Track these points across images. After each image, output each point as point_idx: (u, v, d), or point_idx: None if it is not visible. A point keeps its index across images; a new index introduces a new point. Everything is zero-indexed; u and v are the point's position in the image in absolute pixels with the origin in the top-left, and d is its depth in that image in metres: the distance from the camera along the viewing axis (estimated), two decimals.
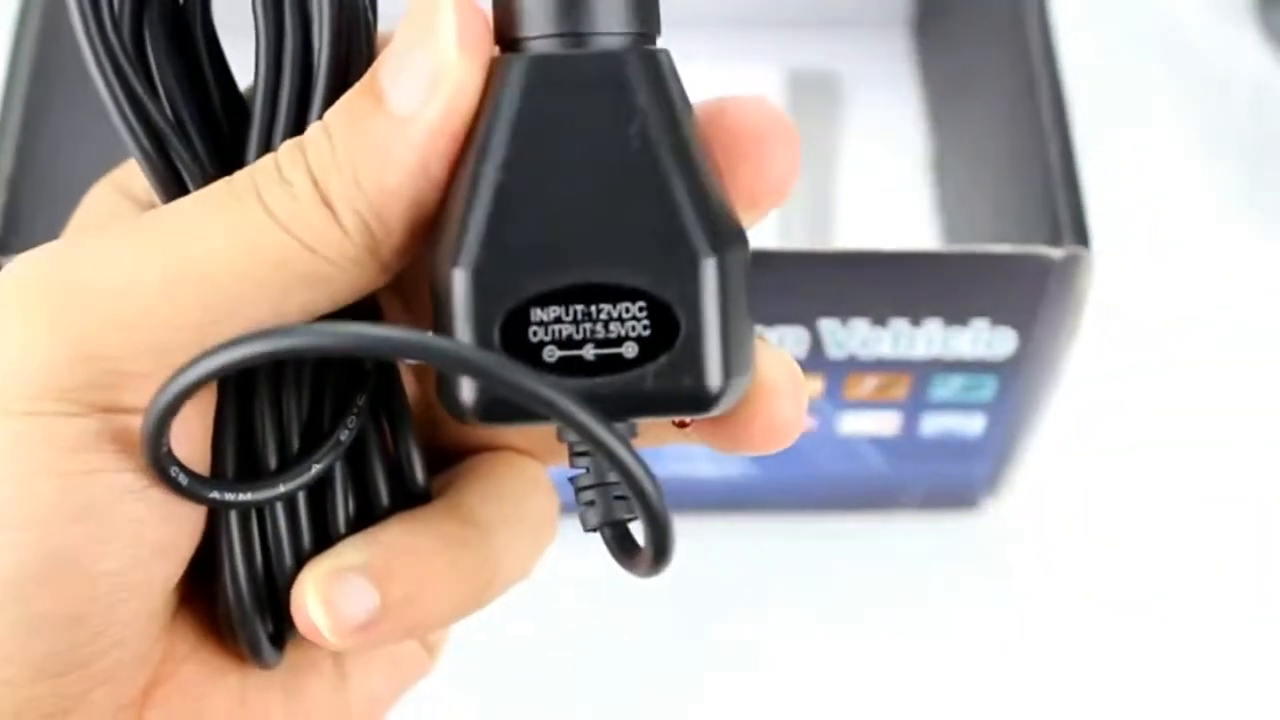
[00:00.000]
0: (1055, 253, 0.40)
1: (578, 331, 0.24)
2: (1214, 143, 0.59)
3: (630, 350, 0.24)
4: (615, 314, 0.24)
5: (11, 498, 0.24)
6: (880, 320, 0.42)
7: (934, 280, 0.42)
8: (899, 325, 0.43)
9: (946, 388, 0.45)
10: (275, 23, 0.26)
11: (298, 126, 0.26)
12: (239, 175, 0.25)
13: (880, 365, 0.44)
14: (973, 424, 0.46)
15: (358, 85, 0.25)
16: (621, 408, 0.24)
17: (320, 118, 0.26)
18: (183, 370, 0.24)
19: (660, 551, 0.24)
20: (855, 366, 0.44)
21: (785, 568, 0.50)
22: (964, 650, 0.49)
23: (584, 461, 0.26)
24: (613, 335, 0.24)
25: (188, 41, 0.27)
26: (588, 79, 0.25)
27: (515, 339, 0.24)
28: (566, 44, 0.25)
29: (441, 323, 0.25)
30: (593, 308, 0.24)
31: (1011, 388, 0.45)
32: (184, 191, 0.27)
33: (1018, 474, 0.50)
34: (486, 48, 0.25)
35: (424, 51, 0.25)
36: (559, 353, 0.24)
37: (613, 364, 0.24)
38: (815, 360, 0.43)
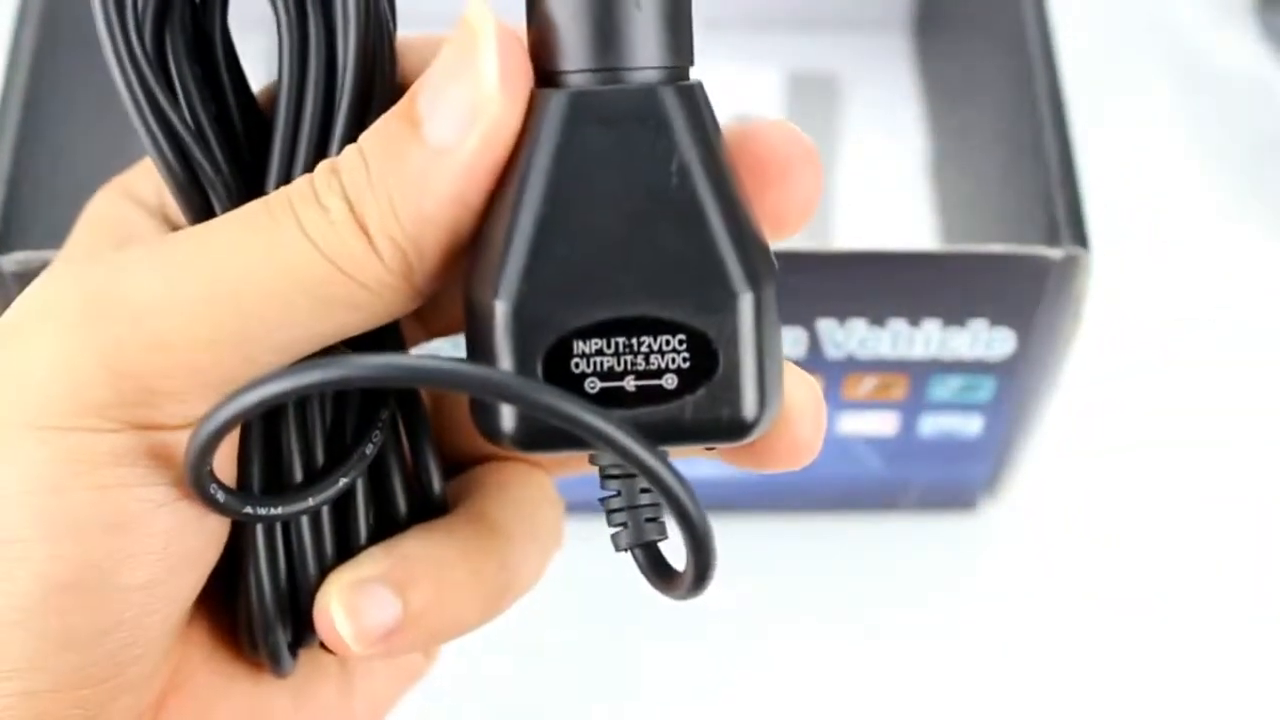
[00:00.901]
0: (1054, 253, 0.40)
1: (619, 364, 0.25)
2: (1214, 143, 0.59)
3: (670, 382, 0.25)
4: (656, 346, 0.25)
5: (45, 510, 0.24)
6: (878, 320, 0.42)
7: (932, 280, 0.42)
8: (897, 325, 0.43)
9: (945, 388, 0.45)
10: (299, 28, 0.27)
11: (322, 136, 0.27)
12: (275, 196, 0.26)
13: (878, 366, 0.44)
14: (971, 425, 0.46)
15: (395, 109, 0.26)
16: (660, 436, 0.25)
17: (344, 129, 0.26)
18: (234, 397, 0.24)
19: (701, 576, 0.25)
20: (853, 367, 0.44)
21: (783, 568, 0.50)
22: (962, 650, 0.49)
23: (615, 485, 0.26)
24: (653, 367, 0.25)
25: (206, 47, 0.28)
26: (627, 114, 0.25)
27: (558, 370, 0.25)
28: (604, 79, 0.25)
29: (480, 348, 0.25)
30: (634, 340, 0.25)
31: (1010, 388, 0.45)
32: (203, 198, 0.27)
33: (1016, 475, 0.50)
34: (526, 83, 0.25)
35: (464, 84, 0.25)
36: (600, 384, 0.25)
37: (653, 395, 0.25)
38: (813, 360, 0.43)
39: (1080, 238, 0.41)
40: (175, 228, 0.29)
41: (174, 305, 0.25)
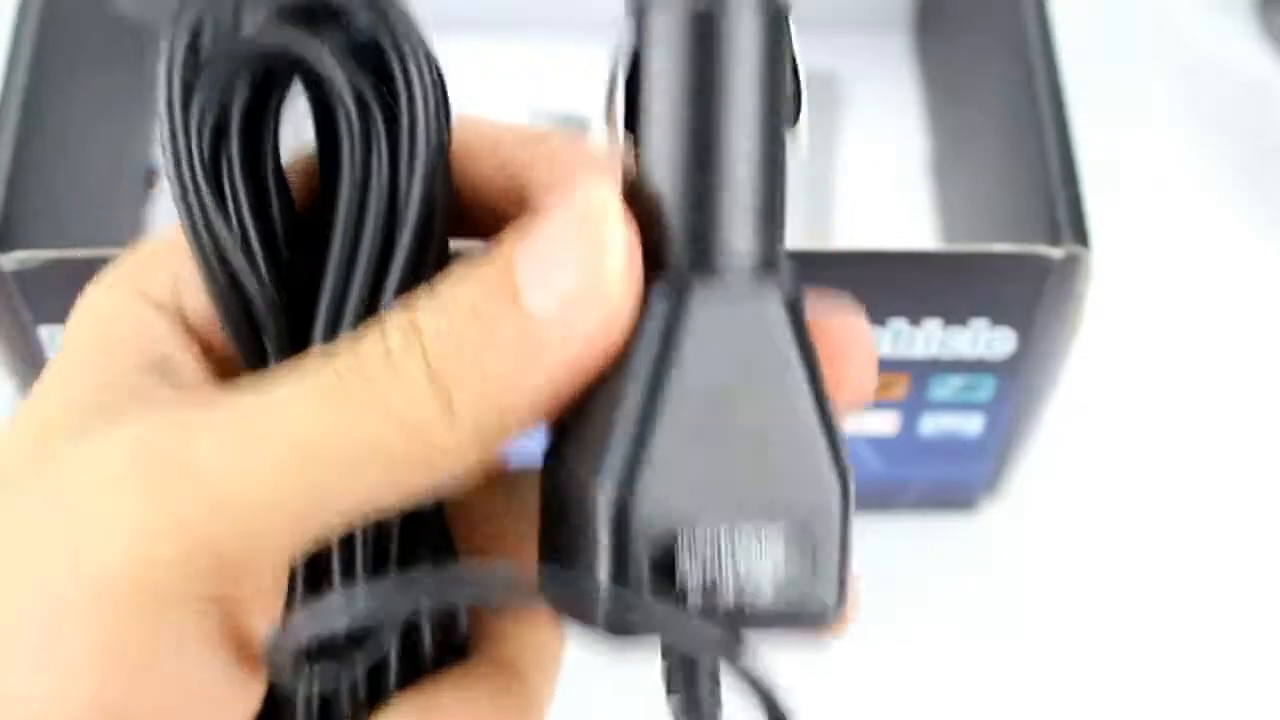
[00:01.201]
0: (1055, 252, 0.40)
1: (719, 563, 0.25)
2: (1214, 143, 0.59)
3: (764, 579, 0.25)
4: (754, 547, 0.25)
5: (113, 690, 0.23)
6: (879, 320, 0.42)
7: (933, 280, 0.42)
8: (898, 325, 0.43)
9: (945, 388, 0.45)
10: (364, 156, 0.26)
11: (380, 267, 0.26)
12: (345, 353, 0.24)
13: (879, 365, 0.44)
14: (971, 424, 0.46)
15: (486, 271, 0.24)
16: (750, 624, 0.25)
17: (404, 265, 0.25)
18: (328, 610, 0.24)
19: None
20: None
21: None
22: (962, 650, 0.49)
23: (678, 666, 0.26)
24: (750, 568, 0.25)
25: (256, 159, 0.27)
26: (740, 317, 0.25)
27: (662, 569, 0.25)
28: (715, 272, 0.25)
29: (575, 534, 0.25)
30: (735, 541, 0.25)
31: (1010, 388, 0.45)
32: (247, 315, 0.26)
33: (1016, 475, 0.50)
34: (641, 276, 0.24)
35: (583, 270, 0.23)
36: (701, 579, 0.25)
37: (747, 591, 0.25)
38: None
39: (1081, 237, 0.41)
40: (196, 332, 0.27)
41: (247, 475, 0.23)
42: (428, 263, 0.26)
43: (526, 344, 0.24)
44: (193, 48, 0.26)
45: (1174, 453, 0.52)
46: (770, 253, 0.25)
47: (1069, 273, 0.41)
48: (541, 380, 0.24)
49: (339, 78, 0.25)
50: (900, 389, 0.45)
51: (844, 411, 0.26)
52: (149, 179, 0.55)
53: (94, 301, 0.28)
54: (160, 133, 0.26)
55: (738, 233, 0.25)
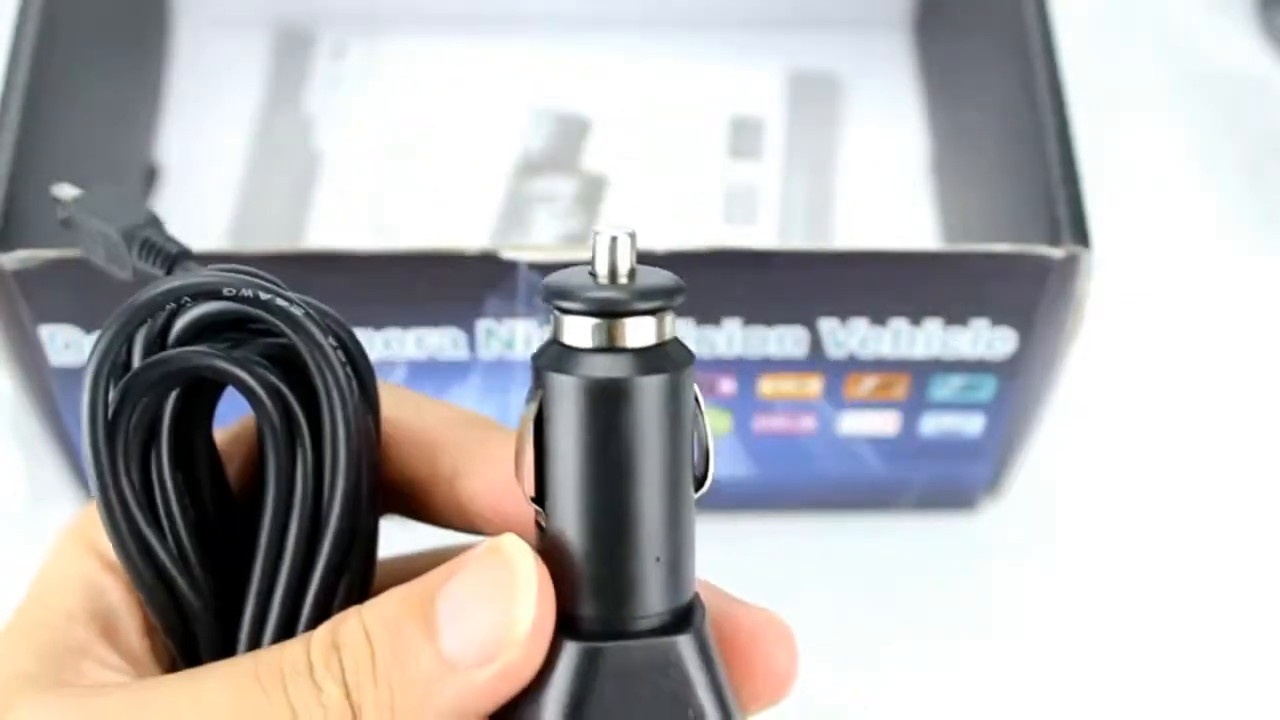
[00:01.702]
0: (1055, 252, 0.40)
1: None
2: (1214, 143, 0.59)
3: None
4: None
5: None
6: (880, 320, 0.42)
7: (934, 280, 0.42)
8: (898, 325, 0.43)
9: (946, 388, 0.45)
10: (288, 462, 0.26)
11: (304, 569, 0.27)
12: (268, 664, 0.25)
13: (879, 365, 0.44)
14: (972, 424, 0.46)
15: (409, 600, 0.25)
16: None
17: (325, 569, 0.26)
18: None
19: None
20: (854, 366, 0.44)
21: (783, 567, 0.50)
22: (962, 650, 0.49)
23: None
24: None
25: (188, 453, 0.27)
26: (647, 668, 0.25)
27: None
28: (622, 629, 0.25)
29: None
30: None
31: (1011, 388, 0.45)
32: (177, 611, 0.27)
33: (1017, 475, 0.50)
34: (551, 629, 0.25)
35: (493, 618, 0.25)
36: None
37: None
38: (815, 360, 0.43)
39: (1081, 237, 0.41)
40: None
41: None
42: (351, 568, 0.27)
43: (436, 681, 0.25)
44: (124, 364, 0.26)
45: (1174, 452, 0.52)
46: (677, 602, 0.26)
47: (1069, 273, 0.41)
48: (446, 714, 0.25)
49: (261, 394, 0.26)
50: (901, 389, 0.45)
51: (768, 700, 0.28)
52: (149, 178, 0.55)
53: (56, 554, 0.29)
54: (84, 451, 0.26)
55: (646, 593, 0.25)
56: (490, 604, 0.25)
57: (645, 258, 0.40)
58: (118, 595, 0.28)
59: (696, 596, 0.27)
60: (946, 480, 0.49)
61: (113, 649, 0.27)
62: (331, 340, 0.26)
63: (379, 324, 0.42)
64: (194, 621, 0.27)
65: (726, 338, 0.43)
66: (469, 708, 0.25)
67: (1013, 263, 0.41)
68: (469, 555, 0.26)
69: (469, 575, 0.25)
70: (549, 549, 0.25)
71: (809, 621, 0.49)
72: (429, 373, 0.43)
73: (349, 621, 0.25)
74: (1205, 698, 0.48)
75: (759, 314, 0.42)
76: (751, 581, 0.49)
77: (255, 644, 0.27)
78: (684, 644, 0.25)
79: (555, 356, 0.25)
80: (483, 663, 0.25)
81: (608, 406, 0.24)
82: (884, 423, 0.46)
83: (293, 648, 0.25)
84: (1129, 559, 0.50)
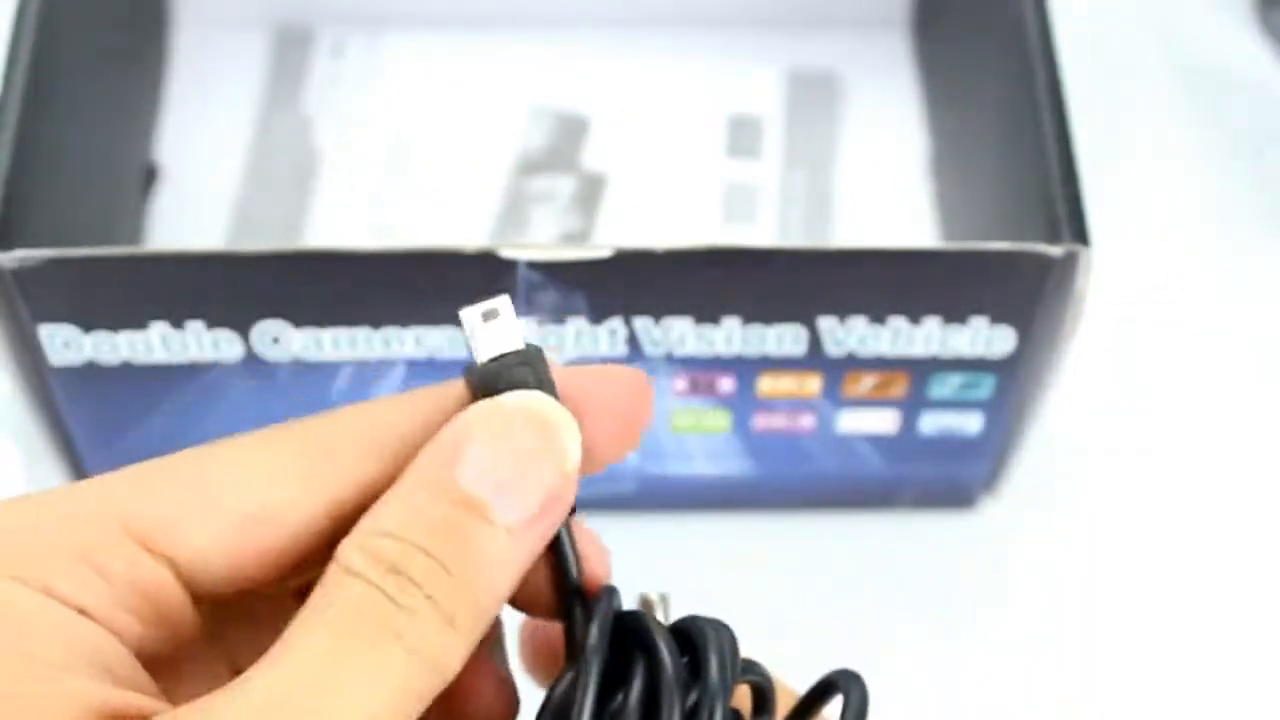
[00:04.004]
0: (1054, 250, 0.40)
1: None
2: (1214, 142, 0.59)
3: None
4: None
5: None
6: (879, 318, 0.42)
7: (933, 278, 0.42)
8: (897, 323, 0.43)
9: (945, 386, 0.45)
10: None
11: None
12: (335, 615, 0.24)
13: (879, 363, 0.44)
14: (971, 422, 0.46)
15: (435, 494, 0.26)
16: None
17: None
18: None
19: None
20: (853, 364, 0.44)
21: (782, 566, 0.50)
22: (961, 650, 0.49)
23: None
24: None
25: None
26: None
27: None
28: None
29: None
30: None
31: (1010, 386, 0.45)
32: None
33: (1016, 473, 0.50)
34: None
35: (545, 468, 0.26)
36: None
37: None
38: (814, 358, 0.43)
39: (1080, 235, 0.41)
40: (129, 605, 0.26)
41: None
42: None
43: (504, 554, 0.26)
44: None
45: (1174, 451, 0.52)
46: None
47: (1068, 271, 0.41)
48: (516, 580, 0.26)
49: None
50: (900, 387, 0.45)
51: (612, 450, 0.28)
52: (148, 178, 0.55)
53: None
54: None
55: None
56: (540, 459, 0.26)
57: (645, 257, 0.40)
58: (94, 631, 0.25)
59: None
60: (945, 478, 0.49)
61: (123, 687, 0.25)
62: None
63: (378, 323, 0.42)
64: None
65: (725, 336, 0.43)
66: (531, 560, 0.26)
67: (1012, 261, 0.41)
68: (473, 420, 0.26)
69: (498, 443, 0.26)
70: None
71: (808, 619, 0.49)
72: (428, 372, 0.43)
73: (402, 545, 0.25)
74: (1205, 696, 0.48)
75: (758, 312, 0.42)
76: (750, 580, 0.49)
77: None
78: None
79: None
80: (544, 514, 0.26)
81: None
82: (883, 421, 0.46)
83: (364, 591, 0.25)
84: (1129, 557, 0.50)
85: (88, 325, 0.42)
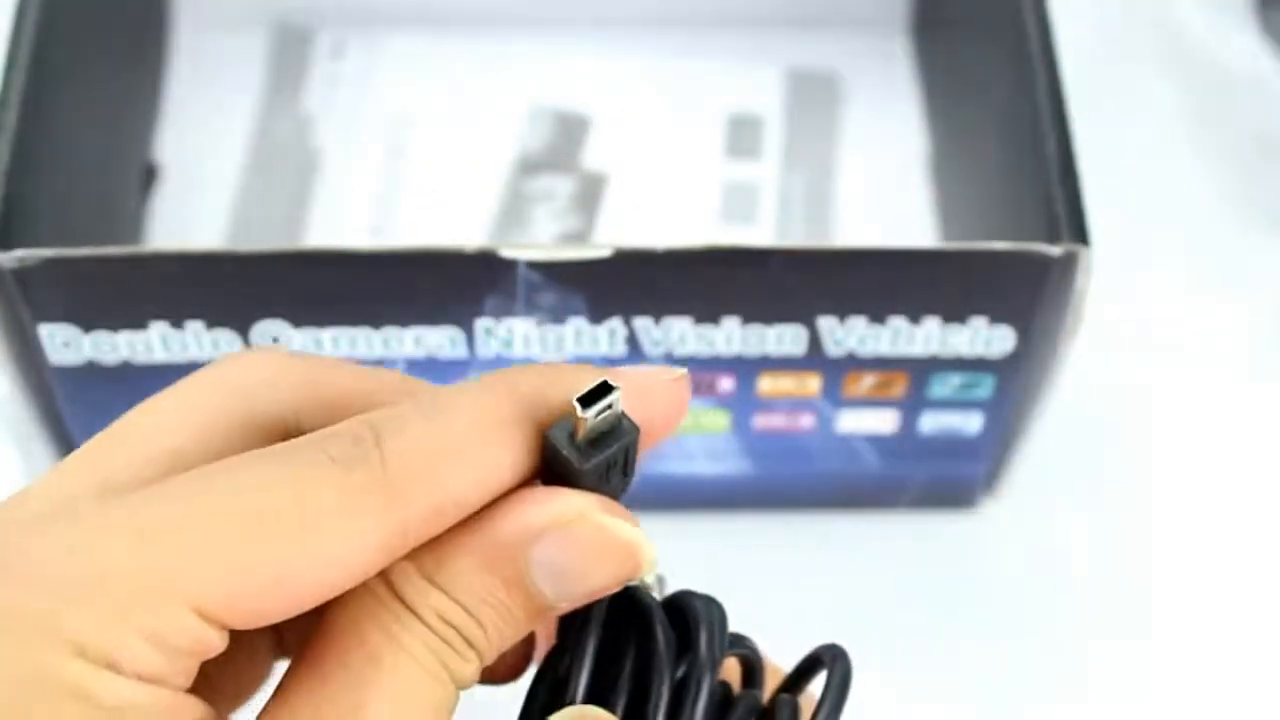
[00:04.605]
0: (1054, 250, 0.40)
1: None
2: (1213, 142, 0.59)
3: None
4: None
5: None
6: (878, 318, 0.42)
7: (932, 278, 0.42)
8: (897, 323, 0.43)
9: (945, 386, 0.45)
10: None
11: None
12: (411, 660, 0.26)
13: (878, 363, 0.44)
14: (971, 422, 0.46)
15: (504, 577, 0.27)
16: None
17: None
18: None
19: None
20: (853, 364, 0.44)
21: (782, 566, 0.50)
22: (961, 649, 0.49)
23: None
24: None
25: None
26: None
27: None
28: None
29: None
30: None
31: (1010, 386, 0.45)
32: None
33: (1016, 473, 0.50)
34: None
35: (610, 584, 0.28)
36: None
37: None
38: (813, 358, 0.43)
39: (1080, 235, 0.41)
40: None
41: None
42: None
43: (542, 621, 0.28)
44: None
45: (1174, 451, 0.52)
46: None
47: (1068, 271, 0.41)
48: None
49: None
50: (899, 387, 0.45)
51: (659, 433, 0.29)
52: (148, 177, 0.55)
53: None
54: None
55: None
56: (601, 578, 0.27)
57: (645, 257, 0.40)
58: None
59: None
60: (945, 478, 0.49)
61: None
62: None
63: (377, 323, 0.42)
64: None
65: (725, 336, 0.43)
66: None
67: (1011, 261, 0.41)
68: (547, 520, 0.27)
69: (570, 548, 0.27)
70: None
71: (807, 619, 0.49)
72: (427, 371, 0.43)
73: (447, 604, 0.26)
74: (1205, 695, 0.48)
75: (758, 312, 0.42)
76: (750, 579, 0.49)
77: None
78: None
79: None
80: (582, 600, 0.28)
81: None
82: (883, 421, 0.46)
83: (408, 640, 0.26)
84: (1129, 557, 0.50)
85: (87, 325, 0.42)
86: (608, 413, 0.26)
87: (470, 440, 0.26)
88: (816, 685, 0.31)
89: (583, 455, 0.27)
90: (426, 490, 0.26)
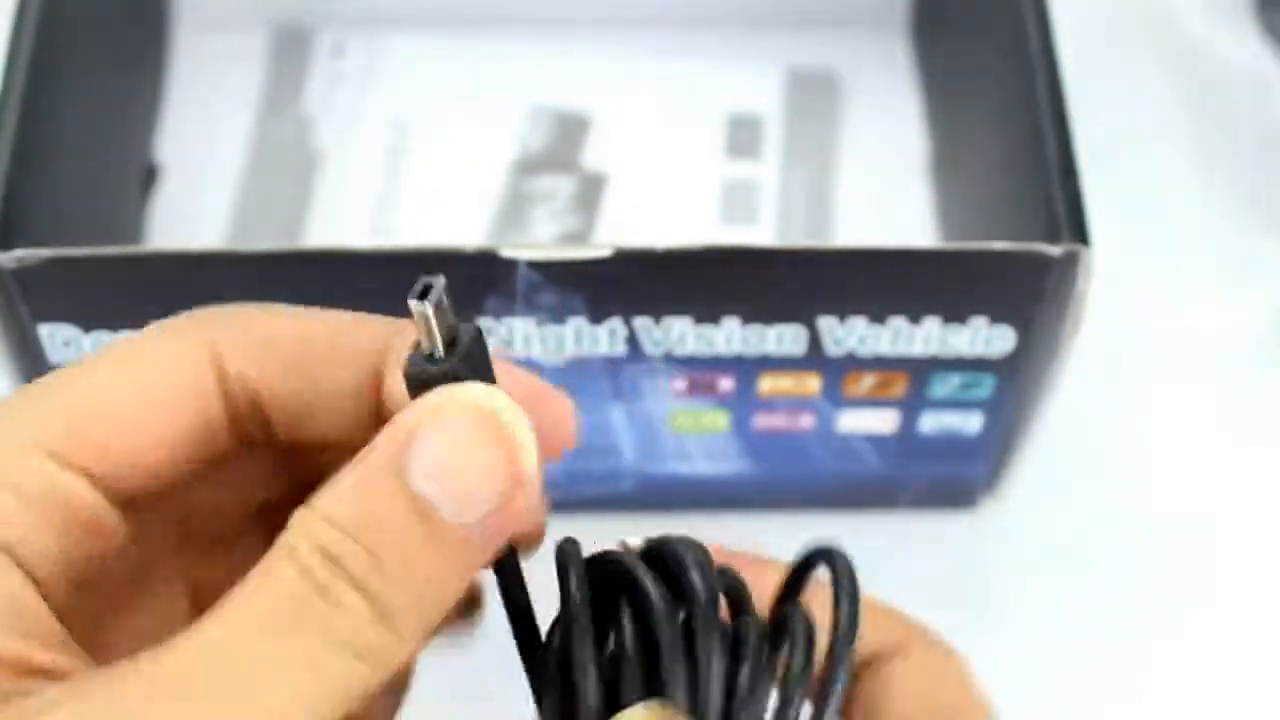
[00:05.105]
0: (1054, 250, 0.40)
1: None
2: (1213, 141, 0.59)
3: None
4: None
5: None
6: (878, 318, 0.42)
7: (932, 278, 0.42)
8: (897, 323, 0.43)
9: (945, 386, 0.45)
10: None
11: None
12: (281, 593, 0.24)
13: (878, 363, 0.44)
14: (971, 422, 0.46)
15: (383, 485, 0.24)
16: None
17: None
18: None
19: None
20: (853, 364, 0.44)
21: None
22: (961, 649, 0.49)
23: None
24: None
25: None
26: None
27: None
28: None
29: None
30: None
31: (1010, 386, 0.45)
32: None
33: (1016, 473, 0.50)
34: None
35: (499, 472, 0.25)
36: None
37: None
38: (814, 358, 0.43)
39: (1080, 234, 0.41)
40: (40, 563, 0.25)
41: None
42: None
43: (454, 557, 0.25)
44: None
45: (1174, 450, 0.52)
46: None
47: (1068, 270, 0.41)
48: (467, 580, 0.25)
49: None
50: (900, 387, 0.45)
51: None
52: (148, 177, 0.55)
53: None
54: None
55: None
56: (494, 465, 0.25)
57: (645, 257, 0.40)
58: (7, 573, 0.25)
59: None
60: (945, 478, 0.49)
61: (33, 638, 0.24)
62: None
63: None
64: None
65: (725, 336, 0.43)
66: (485, 558, 0.25)
67: (1011, 261, 0.41)
68: (426, 413, 0.25)
69: (448, 445, 0.25)
70: None
71: None
72: None
73: (338, 533, 0.24)
74: (1205, 696, 0.48)
75: (758, 312, 0.42)
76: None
77: None
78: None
79: None
80: (490, 524, 0.25)
81: None
82: (883, 421, 0.46)
83: (286, 572, 0.24)
84: (1129, 557, 0.50)
85: (88, 325, 0.42)
86: (444, 303, 0.26)
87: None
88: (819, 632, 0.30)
89: (445, 361, 0.25)
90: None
